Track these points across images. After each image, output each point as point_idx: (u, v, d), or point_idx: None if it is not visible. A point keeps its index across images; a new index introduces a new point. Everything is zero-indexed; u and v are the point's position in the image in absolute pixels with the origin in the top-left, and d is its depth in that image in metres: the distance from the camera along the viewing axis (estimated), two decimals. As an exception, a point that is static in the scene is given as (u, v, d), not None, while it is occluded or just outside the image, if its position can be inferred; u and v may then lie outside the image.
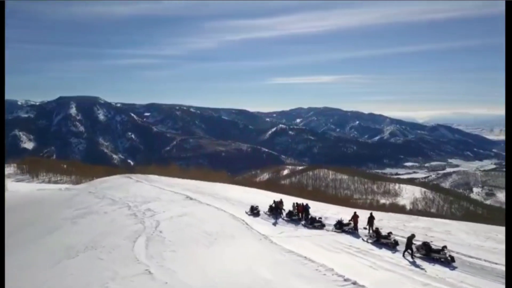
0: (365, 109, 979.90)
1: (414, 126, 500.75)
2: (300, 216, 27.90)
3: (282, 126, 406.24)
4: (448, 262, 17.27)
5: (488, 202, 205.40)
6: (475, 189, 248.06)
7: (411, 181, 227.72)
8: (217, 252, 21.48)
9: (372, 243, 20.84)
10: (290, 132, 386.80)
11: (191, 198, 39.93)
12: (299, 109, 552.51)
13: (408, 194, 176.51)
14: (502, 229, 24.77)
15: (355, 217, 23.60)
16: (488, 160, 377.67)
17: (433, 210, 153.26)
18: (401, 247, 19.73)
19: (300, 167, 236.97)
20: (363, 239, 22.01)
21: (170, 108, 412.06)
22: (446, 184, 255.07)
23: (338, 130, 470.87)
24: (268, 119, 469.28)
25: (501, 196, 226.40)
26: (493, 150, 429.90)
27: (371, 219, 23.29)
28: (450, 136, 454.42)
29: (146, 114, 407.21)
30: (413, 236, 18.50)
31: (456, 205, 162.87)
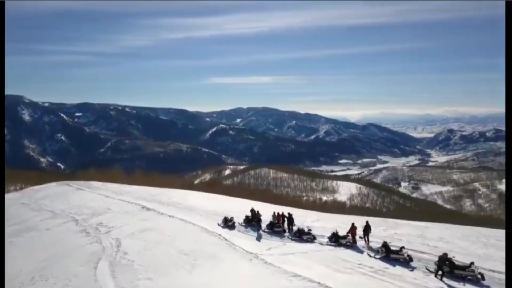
0: (301, 109, 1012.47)
1: (347, 125, 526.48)
2: (283, 227, 25.57)
3: (223, 126, 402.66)
4: (478, 280, 15.75)
5: (414, 195, 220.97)
6: (402, 184, 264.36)
7: (347, 178, 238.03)
8: (204, 278, 18.41)
9: (381, 259, 18.84)
10: (230, 132, 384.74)
11: (148, 209, 35.97)
12: (239, 109, 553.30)
13: (345, 190, 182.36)
14: (486, 231, 24.72)
15: (353, 229, 21.54)
16: (412, 156, 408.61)
17: (368, 205, 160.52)
18: (415, 263, 18.06)
19: (242, 167, 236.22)
20: (369, 255, 19.81)
21: (104, 108, 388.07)
22: (378, 180, 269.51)
23: (276, 129, 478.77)
24: (208, 119, 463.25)
25: (425, 189, 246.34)
26: (417, 146, 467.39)
27: (367, 228, 21.65)
28: (380, 134, 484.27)
29: (78, 114, 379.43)
30: (445, 255, 16.52)
31: (388, 199, 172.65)
